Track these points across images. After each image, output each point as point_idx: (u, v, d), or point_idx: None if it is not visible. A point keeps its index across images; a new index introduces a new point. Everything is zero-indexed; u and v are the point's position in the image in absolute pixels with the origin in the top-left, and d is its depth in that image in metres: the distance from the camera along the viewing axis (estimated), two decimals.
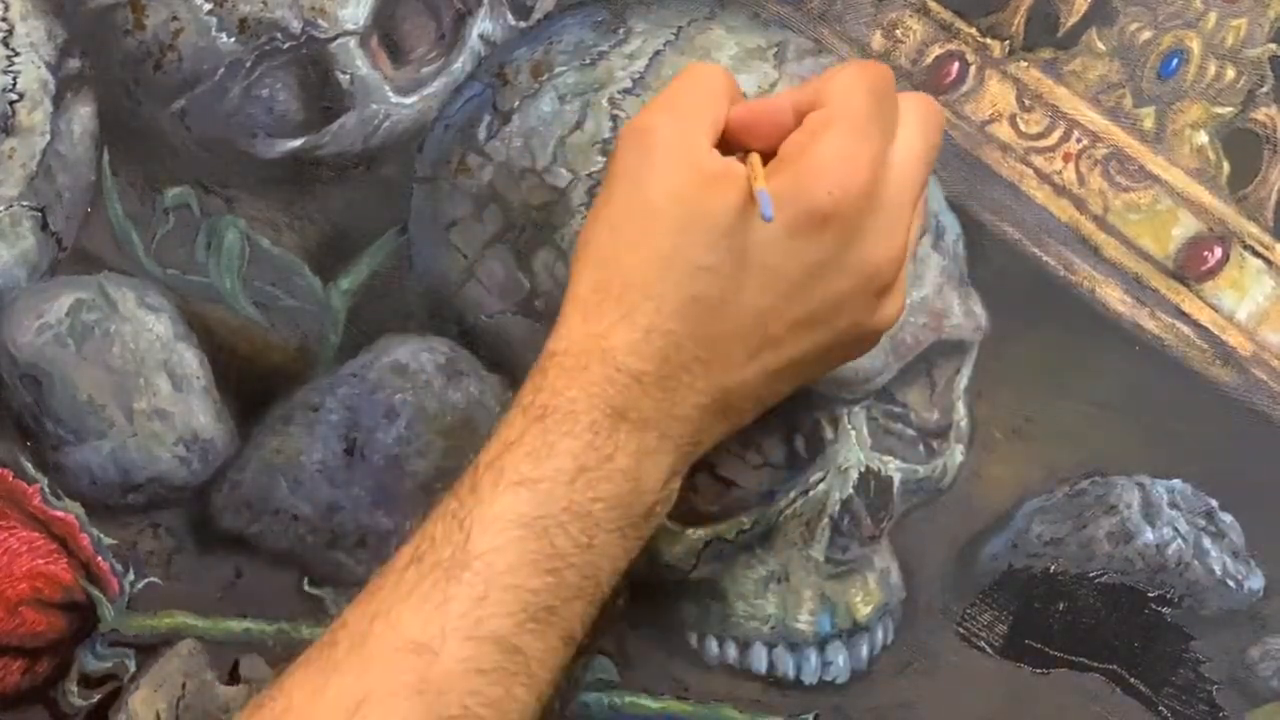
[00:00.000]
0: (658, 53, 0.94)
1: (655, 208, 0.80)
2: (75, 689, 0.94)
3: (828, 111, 0.81)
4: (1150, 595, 0.97)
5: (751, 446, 0.95)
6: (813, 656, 0.96)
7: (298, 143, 0.98)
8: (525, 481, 0.79)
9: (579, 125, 0.93)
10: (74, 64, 0.98)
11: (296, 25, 0.97)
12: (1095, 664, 0.97)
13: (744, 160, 0.82)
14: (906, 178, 0.82)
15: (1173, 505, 0.97)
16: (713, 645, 0.95)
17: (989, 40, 1.01)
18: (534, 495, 0.78)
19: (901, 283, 0.84)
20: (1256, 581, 0.98)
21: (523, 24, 1.00)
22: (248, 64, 0.97)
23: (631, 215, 0.81)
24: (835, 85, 0.82)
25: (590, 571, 0.79)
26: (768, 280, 0.80)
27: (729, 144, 0.83)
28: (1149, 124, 1.00)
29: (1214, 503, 0.98)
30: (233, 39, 0.96)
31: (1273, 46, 1.00)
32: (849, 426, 0.94)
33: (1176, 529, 0.97)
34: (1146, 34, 1.00)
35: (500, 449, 0.80)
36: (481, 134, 0.95)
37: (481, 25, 1.00)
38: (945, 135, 1.00)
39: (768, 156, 0.82)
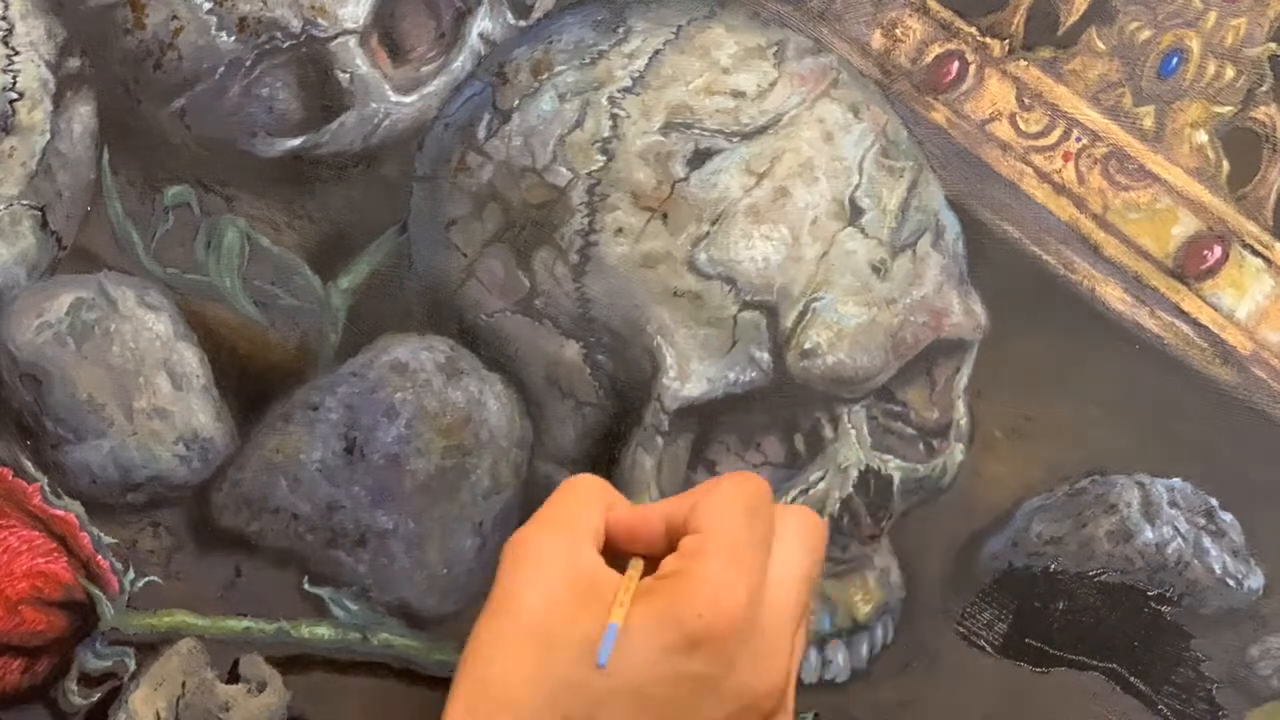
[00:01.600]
0: (657, 51, 0.94)
1: (526, 622, 0.78)
2: (75, 688, 0.94)
3: (701, 536, 0.79)
4: (1150, 594, 0.97)
5: (751, 445, 0.95)
6: (812, 655, 0.96)
7: (297, 141, 0.98)
8: None
9: (579, 124, 0.93)
10: (74, 63, 0.98)
11: (296, 24, 0.97)
12: (1095, 663, 0.97)
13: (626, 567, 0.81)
14: (786, 598, 0.79)
15: (1172, 504, 0.97)
16: None
17: (989, 39, 1.01)
18: None
19: (788, 705, 0.82)
20: (1256, 580, 0.98)
21: (522, 22, 1.00)
22: (247, 63, 0.97)
23: (504, 630, 0.78)
24: (709, 505, 0.80)
25: None
26: (635, 703, 0.77)
27: (611, 551, 0.82)
28: (1149, 123, 1.00)
29: (1214, 501, 0.98)
30: (232, 38, 0.96)
31: (1272, 45, 1.00)
32: (849, 425, 0.94)
33: (1176, 528, 0.97)
34: (1146, 33, 1.00)
35: None
36: (481, 133, 0.95)
37: (481, 24, 1.00)
38: (946, 135, 1.00)
39: (652, 562, 0.81)
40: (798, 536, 0.81)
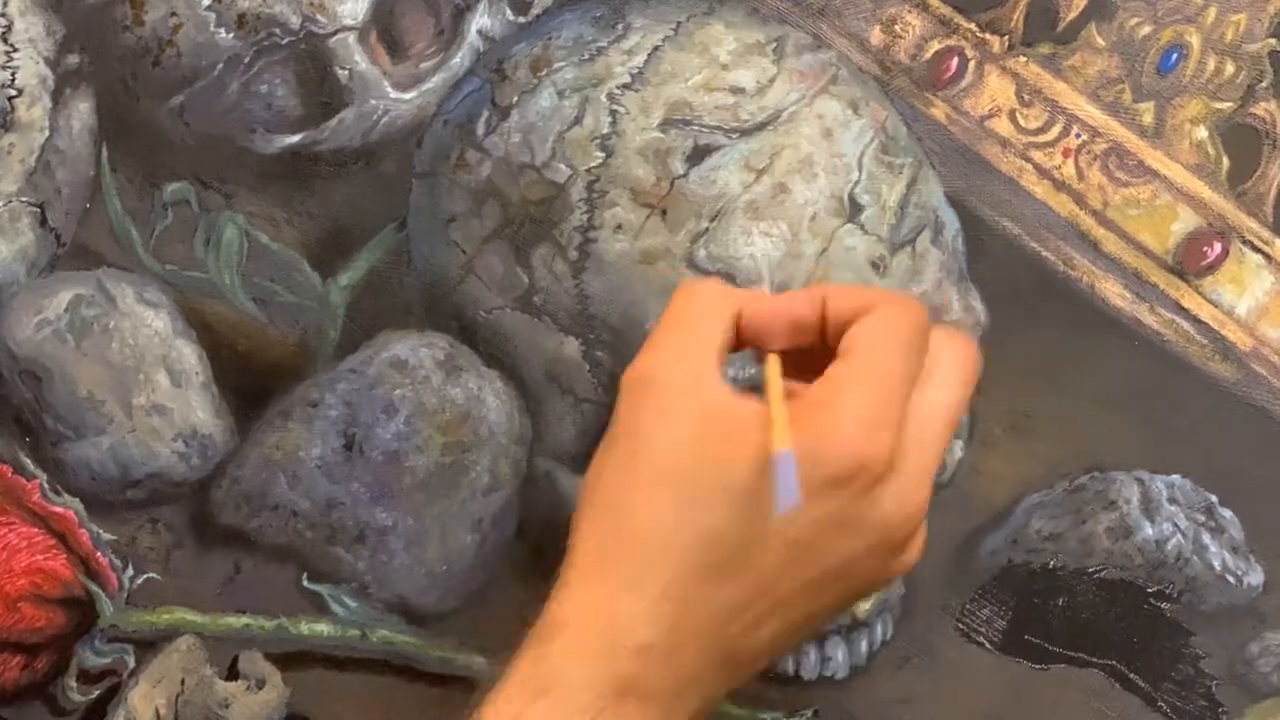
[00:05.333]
0: (656, 48, 0.94)
1: (662, 467, 0.76)
2: (74, 685, 0.94)
3: (856, 365, 0.76)
4: (1149, 590, 0.97)
5: None
6: (812, 652, 0.96)
7: (296, 138, 0.98)
8: None
9: (578, 120, 0.93)
10: (73, 59, 0.98)
11: (295, 21, 0.97)
12: (1095, 659, 0.97)
13: (761, 360, 0.78)
14: (931, 437, 0.77)
15: (1172, 500, 0.97)
16: None
17: (988, 35, 1.01)
18: None
19: (920, 533, 0.80)
20: (1256, 577, 0.98)
21: (521, 19, 1.00)
22: (246, 59, 0.97)
23: (637, 475, 0.76)
24: (868, 329, 0.77)
25: None
26: (781, 543, 0.75)
27: (742, 343, 0.79)
28: (1148, 119, 1.00)
29: (1213, 498, 0.98)
30: (231, 34, 0.96)
31: (1272, 41, 1.00)
32: None
33: (1176, 524, 0.97)
34: (1146, 29, 1.00)
35: None
36: (480, 129, 0.95)
37: (480, 20, 1.00)
38: (945, 131, 1.00)
39: (788, 355, 0.79)
40: (954, 369, 0.79)
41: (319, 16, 0.97)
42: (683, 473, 0.76)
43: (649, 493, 0.76)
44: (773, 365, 0.78)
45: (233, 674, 0.94)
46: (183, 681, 0.93)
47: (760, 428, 0.75)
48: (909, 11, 1.01)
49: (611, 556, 0.76)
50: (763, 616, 0.77)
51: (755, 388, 0.79)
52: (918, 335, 0.78)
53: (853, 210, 0.93)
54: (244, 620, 0.95)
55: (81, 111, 0.98)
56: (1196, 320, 0.99)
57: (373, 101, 0.98)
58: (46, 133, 0.96)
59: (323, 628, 0.95)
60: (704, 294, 0.80)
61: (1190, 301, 0.99)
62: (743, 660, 0.78)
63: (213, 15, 0.96)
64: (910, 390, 0.77)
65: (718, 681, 0.78)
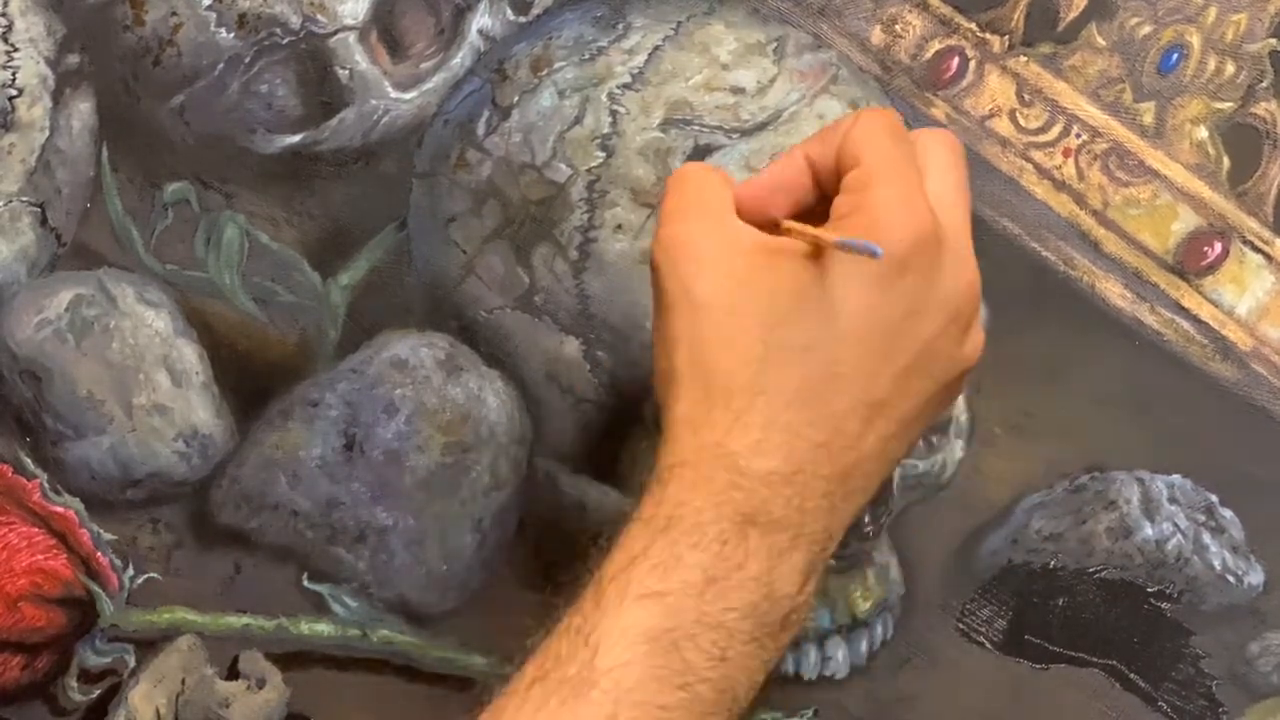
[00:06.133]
0: (657, 48, 0.94)
1: (727, 307, 0.78)
2: (75, 684, 0.94)
3: (866, 166, 0.79)
4: (1150, 590, 0.97)
5: None
6: (812, 652, 0.96)
7: (297, 138, 0.98)
8: (652, 595, 0.75)
9: (578, 120, 0.93)
10: (73, 59, 0.98)
11: (296, 20, 0.97)
12: (1095, 659, 0.97)
13: (783, 233, 0.80)
14: (956, 209, 0.80)
15: (1172, 500, 0.97)
16: None
17: (988, 35, 1.01)
18: (662, 608, 0.75)
19: (979, 316, 0.82)
20: (1256, 576, 0.98)
21: (522, 19, 1.00)
22: (247, 59, 0.97)
23: (705, 324, 0.78)
24: (858, 137, 0.80)
25: (725, 685, 0.75)
26: (864, 341, 0.77)
27: (752, 219, 0.81)
28: (1149, 119, 1.00)
29: (1214, 498, 0.98)
30: (232, 34, 0.96)
31: (1273, 41, 1.00)
32: None
33: (1176, 524, 0.97)
34: (1146, 29, 1.00)
35: (625, 562, 0.76)
36: (481, 129, 0.95)
37: (481, 20, 1.00)
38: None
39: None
40: (946, 154, 0.81)
41: (319, 16, 0.97)
42: (746, 305, 0.77)
43: (722, 335, 0.78)
44: (787, 221, 0.80)
45: (233, 674, 0.94)
46: (183, 681, 0.93)
47: (800, 247, 0.78)
48: (909, 11, 1.01)
49: (710, 403, 0.77)
50: (866, 424, 0.78)
51: None
52: (900, 126, 0.81)
53: None
54: (244, 620, 0.95)
55: (82, 111, 0.98)
56: (1197, 320, 0.99)
57: (373, 101, 0.98)
58: (47, 132, 0.96)
59: (323, 627, 0.95)
60: (700, 169, 0.83)
61: (1190, 301, 0.99)
62: (855, 479, 0.79)
63: (213, 15, 0.96)
64: (918, 173, 0.79)
65: (837, 506, 0.79)
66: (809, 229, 0.78)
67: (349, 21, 0.97)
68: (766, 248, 0.78)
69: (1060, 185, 1.00)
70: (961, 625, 0.97)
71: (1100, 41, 1.00)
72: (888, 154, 0.79)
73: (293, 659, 0.94)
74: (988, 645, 0.97)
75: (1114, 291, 0.99)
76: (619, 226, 0.92)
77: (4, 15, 0.96)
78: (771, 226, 0.80)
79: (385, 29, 0.98)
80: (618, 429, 0.94)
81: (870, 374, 0.78)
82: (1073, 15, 1.01)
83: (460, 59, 0.99)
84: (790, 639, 0.79)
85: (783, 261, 0.78)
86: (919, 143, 0.81)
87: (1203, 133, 1.00)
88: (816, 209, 0.81)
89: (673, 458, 0.78)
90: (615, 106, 0.93)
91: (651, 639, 0.74)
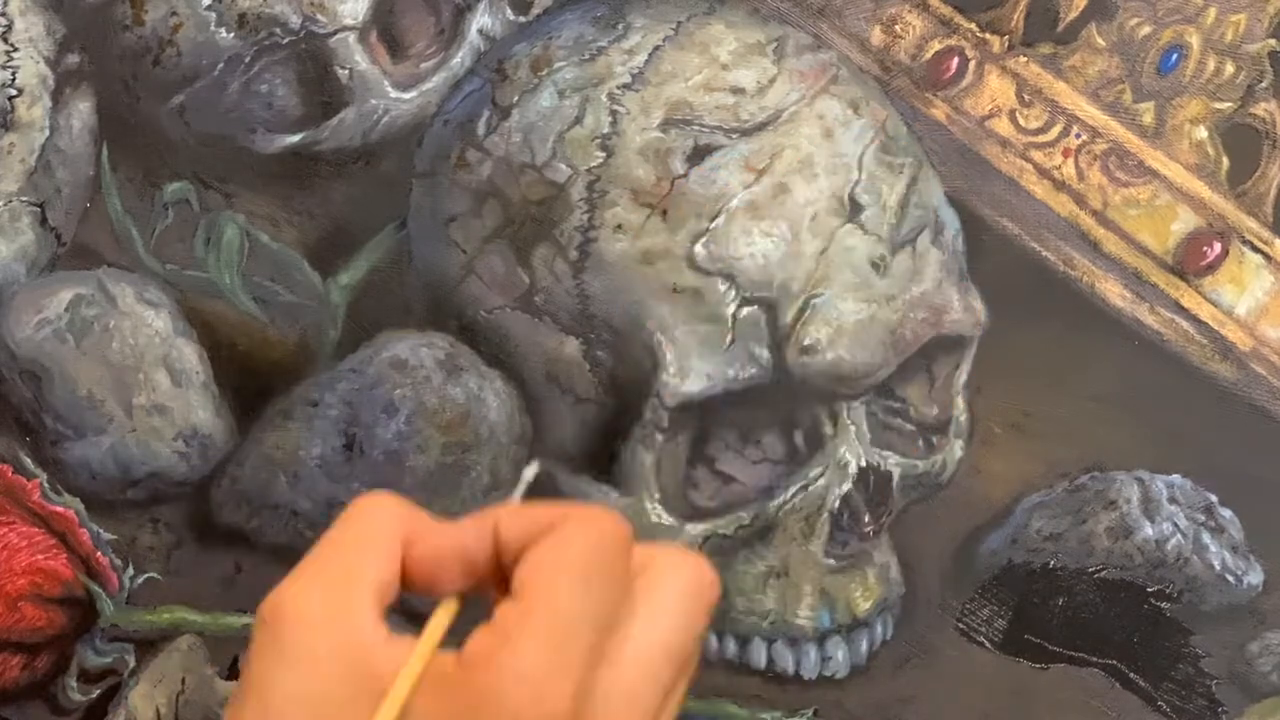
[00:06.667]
0: (657, 48, 0.94)
1: (280, 716, 0.61)
2: (75, 684, 0.94)
3: (525, 605, 0.61)
4: (1149, 590, 0.97)
5: (751, 442, 0.95)
6: (812, 652, 0.96)
7: (297, 138, 0.98)
8: None
9: (578, 120, 0.93)
10: (73, 59, 0.98)
11: (296, 20, 0.97)
12: (1094, 659, 0.97)
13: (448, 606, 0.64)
14: (640, 679, 0.62)
15: (1172, 500, 0.97)
16: (712, 640, 0.95)
17: (988, 35, 1.01)
18: None
19: None
20: (1256, 576, 0.98)
21: (522, 19, 1.00)
22: (247, 59, 0.97)
23: None
24: (539, 564, 0.62)
25: None
26: None
27: (420, 589, 0.65)
28: (1148, 119, 1.00)
29: (1213, 498, 0.98)
30: (232, 34, 0.96)
31: (1272, 42, 1.00)
32: (848, 422, 0.94)
33: (1176, 524, 0.97)
34: (1146, 29, 1.00)
35: None
36: (481, 129, 0.95)
37: (481, 20, 1.00)
38: (945, 131, 1.00)
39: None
40: (676, 598, 0.64)
41: (319, 16, 0.97)
42: None
43: None
44: (442, 614, 0.64)
45: (233, 673, 0.94)
46: (183, 681, 0.93)
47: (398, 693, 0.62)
48: (909, 11, 1.01)
49: None
50: None
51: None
52: (601, 558, 0.63)
53: (853, 210, 0.93)
54: (244, 620, 0.95)
55: (82, 111, 0.98)
56: (1196, 320, 0.99)
57: (373, 101, 0.98)
58: (47, 132, 0.96)
59: None
60: (371, 513, 0.65)
61: (1190, 301, 0.99)
62: None
63: (213, 15, 0.96)
64: (593, 630, 0.62)
65: None
66: (402, 674, 0.62)
67: (349, 21, 0.97)
68: (366, 668, 0.62)
69: (1060, 185, 1.00)
70: (961, 625, 0.97)
71: (1100, 42, 1.00)
72: (558, 601, 0.61)
73: None
74: (988, 645, 0.97)
75: (1113, 291, 0.99)
76: (619, 226, 0.92)
77: (4, 15, 0.96)
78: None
79: (385, 29, 0.98)
80: (618, 429, 0.94)
81: None
82: (1072, 15, 1.01)
83: (460, 59, 0.99)
84: None
85: (373, 695, 0.61)
86: (650, 568, 0.64)
87: (1202, 133, 1.00)
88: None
89: None
90: (615, 106, 0.93)
91: None
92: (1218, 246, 0.99)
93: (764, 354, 0.92)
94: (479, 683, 0.61)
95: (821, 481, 0.94)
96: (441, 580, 0.64)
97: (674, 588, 0.64)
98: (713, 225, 0.92)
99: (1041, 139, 1.00)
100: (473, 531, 0.64)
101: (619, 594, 0.63)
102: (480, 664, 0.61)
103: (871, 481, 0.95)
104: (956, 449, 0.98)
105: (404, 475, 0.94)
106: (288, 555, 0.95)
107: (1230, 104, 1.00)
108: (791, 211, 0.92)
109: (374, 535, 0.64)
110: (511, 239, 0.94)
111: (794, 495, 0.94)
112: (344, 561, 0.64)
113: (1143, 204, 1.00)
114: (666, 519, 0.93)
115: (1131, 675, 0.96)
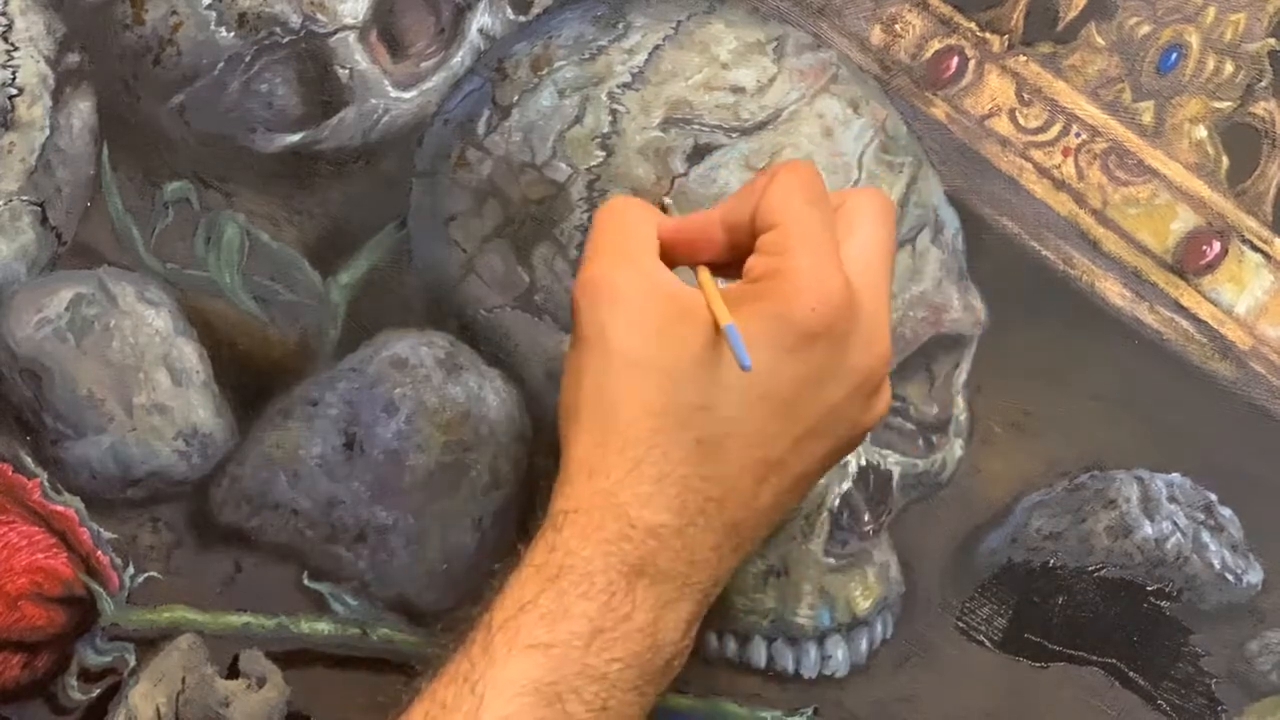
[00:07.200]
0: (657, 47, 0.94)
1: (634, 357, 0.78)
2: (75, 683, 0.94)
3: (781, 231, 0.79)
4: (1149, 589, 0.97)
5: None
6: (812, 650, 0.96)
7: (297, 137, 0.98)
8: (539, 646, 0.76)
9: (578, 120, 0.93)
10: (73, 59, 0.98)
11: (296, 20, 0.97)
12: (1094, 658, 0.97)
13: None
14: (875, 276, 0.81)
15: (1171, 499, 0.97)
16: (712, 639, 0.95)
17: (988, 34, 1.01)
18: (548, 660, 0.76)
19: (886, 381, 0.83)
20: (1255, 575, 0.98)
21: (522, 18, 1.00)
22: (247, 59, 0.97)
23: (612, 370, 0.79)
24: (775, 200, 0.80)
25: None
26: (765, 405, 0.78)
27: (668, 264, 0.82)
28: (1148, 118, 1.00)
29: (1213, 496, 0.98)
30: (232, 33, 0.96)
31: (1271, 41, 1.00)
32: None
33: (1175, 523, 0.97)
34: (1145, 28, 1.00)
35: (514, 609, 0.77)
36: (481, 128, 0.95)
37: (481, 19, 1.00)
38: (945, 130, 1.00)
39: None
40: (872, 217, 0.82)
41: (319, 15, 0.97)
42: (654, 358, 0.78)
43: (628, 383, 0.78)
44: (703, 271, 0.81)
45: (233, 672, 0.94)
46: (183, 680, 0.93)
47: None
48: (909, 11, 1.01)
49: (607, 449, 0.79)
50: (760, 482, 0.79)
51: None
52: (818, 185, 0.81)
53: None
54: (244, 619, 0.95)
55: (82, 110, 0.98)
56: (1196, 319, 0.99)
57: (373, 100, 0.98)
58: (47, 131, 0.96)
59: (323, 626, 0.95)
60: (629, 207, 0.84)
61: (1190, 300, 0.99)
62: (746, 532, 0.80)
63: (213, 14, 0.96)
64: (835, 238, 0.80)
65: (726, 558, 0.80)
66: (714, 296, 0.79)
67: (349, 21, 0.97)
68: (681, 302, 0.79)
69: (1060, 184, 1.00)
70: (961, 624, 0.97)
71: (1099, 41, 1.01)
72: (802, 219, 0.80)
73: (293, 657, 0.94)
74: (987, 644, 0.97)
75: (1113, 290, 1.00)
76: None
77: (4, 14, 0.96)
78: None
79: (385, 28, 0.98)
80: None
81: (769, 435, 0.79)
82: (1072, 15, 1.01)
83: (460, 58, 0.99)
84: (668, 683, 0.80)
85: (694, 318, 0.79)
86: (847, 203, 0.82)
87: (1202, 132, 1.00)
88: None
89: (567, 502, 0.79)
90: (615, 106, 0.93)
91: (536, 691, 0.76)
92: (1217, 245, 0.99)
93: None
94: (775, 289, 0.78)
95: (821, 480, 0.94)
96: (694, 252, 0.82)
97: (873, 209, 0.82)
98: None
99: (1041, 138, 1.00)
100: (703, 215, 0.83)
101: (832, 214, 0.81)
102: (769, 277, 0.79)
103: (871, 480, 0.95)
104: (956, 448, 0.98)
105: (404, 474, 0.94)
106: (288, 554, 0.95)
107: (1230, 103, 1.00)
108: None
109: (637, 217, 0.82)
110: (512, 238, 0.94)
111: None
112: (625, 239, 0.81)
113: (1142, 203, 1.00)
114: None
115: (1131, 674, 0.97)
